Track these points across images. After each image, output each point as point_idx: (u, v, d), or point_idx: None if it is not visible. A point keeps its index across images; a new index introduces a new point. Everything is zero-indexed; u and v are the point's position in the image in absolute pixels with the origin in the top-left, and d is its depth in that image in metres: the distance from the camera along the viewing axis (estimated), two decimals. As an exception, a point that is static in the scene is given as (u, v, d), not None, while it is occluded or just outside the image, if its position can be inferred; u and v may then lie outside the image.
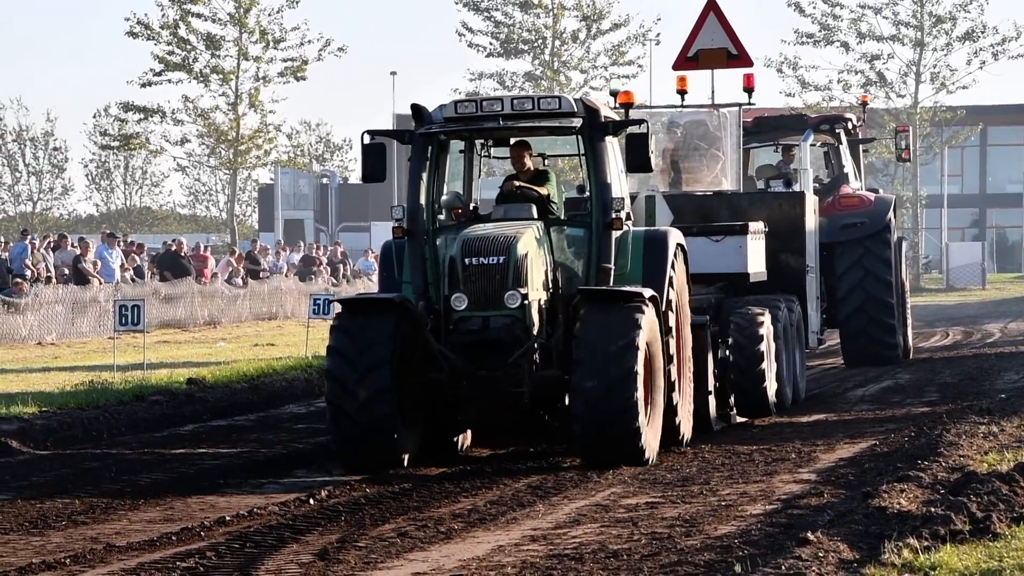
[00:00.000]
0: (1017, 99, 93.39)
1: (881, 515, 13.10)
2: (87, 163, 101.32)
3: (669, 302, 18.35)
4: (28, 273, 43.80)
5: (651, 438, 17.45)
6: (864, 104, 39.74)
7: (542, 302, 17.65)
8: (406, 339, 17.43)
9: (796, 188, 28.35)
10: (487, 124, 18.49)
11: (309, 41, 70.37)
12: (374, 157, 18.60)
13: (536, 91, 70.21)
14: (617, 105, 20.12)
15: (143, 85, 70.50)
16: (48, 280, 44.30)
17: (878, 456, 17.93)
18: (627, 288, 17.60)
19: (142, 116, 72.24)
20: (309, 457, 19.26)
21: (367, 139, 18.71)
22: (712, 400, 20.57)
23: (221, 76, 70.44)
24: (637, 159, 18.29)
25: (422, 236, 18.19)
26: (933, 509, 13.04)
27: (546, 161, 19.79)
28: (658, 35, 77.38)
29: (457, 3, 78.30)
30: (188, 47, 70.12)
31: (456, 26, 78.33)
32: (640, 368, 16.97)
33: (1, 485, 17.15)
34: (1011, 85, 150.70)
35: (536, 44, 78.06)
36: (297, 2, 70.95)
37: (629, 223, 18.61)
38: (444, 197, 18.74)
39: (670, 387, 18.24)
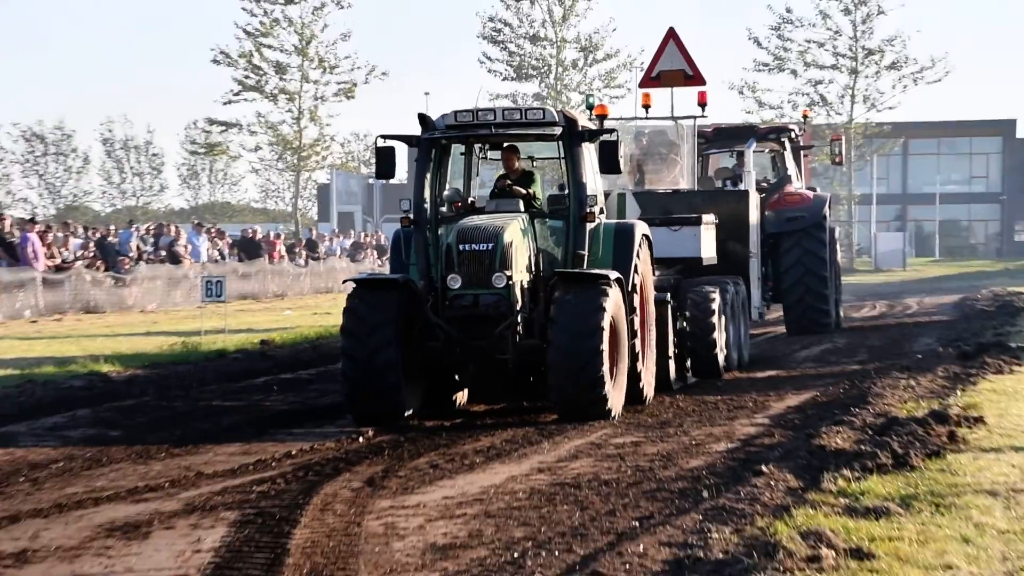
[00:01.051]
0: (932, 117, 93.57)
1: (821, 452, 13.13)
2: (179, 166, 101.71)
3: (635, 283, 17.77)
4: (133, 254, 43.96)
5: (616, 395, 16.79)
6: (805, 118, 39.35)
7: (525, 283, 16.99)
8: (409, 311, 16.82)
9: (742, 187, 27.75)
10: (481, 131, 17.81)
11: (358, 67, 70.96)
12: (385, 158, 17.96)
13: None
14: (593, 116, 19.56)
15: (225, 103, 71.24)
16: (149, 260, 44.45)
17: (819, 404, 17.94)
18: (596, 271, 17.02)
19: (223, 128, 72.81)
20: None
21: (380, 142, 18.06)
22: (672, 364, 20.00)
23: (287, 96, 70.81)
24: (608, 162, 17.71)
25: (426, 225, 17.54)
26: (863, 447, 13.08)
27: (533, 163, 19.22)
28: (642, 63, 76.98)
29: (479, 37, 78.43)
30: (261, 72, 70.53)
31: (478, 55, 78.36)
32: (605, 330, 16.30)
33: (113, 425, 17.25)
34: (928, 105, 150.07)
35: (543, 70, 77.94)
36: (349, 36, 71.40)
37: (602, 216, 18.05)
38: (445, 192, 18.06)
39: (634, 354, 17.56)
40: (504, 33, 78.23)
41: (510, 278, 16.68)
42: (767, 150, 31.62)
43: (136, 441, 15.80)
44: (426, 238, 17.49)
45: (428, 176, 17.69)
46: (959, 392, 17.50)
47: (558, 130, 17.58)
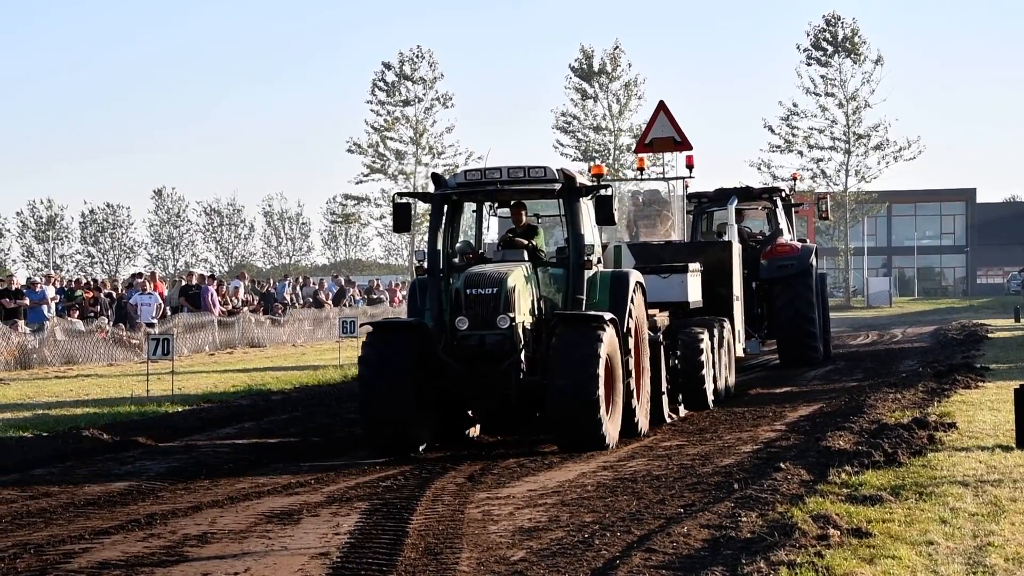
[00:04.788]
0: (910, 186, 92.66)
1: (827, 451, 12.99)
2: (322, 232, 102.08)
3: (630, 325, 15.69)
4: (286, 301, 44.30)
5: (612, 428, 14.66)
6: (795, 179, 38.01)
7: (527, 324, 14.91)
8: (421, 352, 14.73)
9: (725, 239, 24.92)
10: (488, 188, 15.63)
11: (459, 153, 71.83)
12: (402, 213, 15.88)
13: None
14: (591, 175, 18.20)
15: (357, 183, 72.32)
16: (298, 305, 44.76)
17: (825, 414, 17.72)
18: (592, 312, 14.91)
19: (356, 202, 73.78)
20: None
21: (397, 199, 16.02)
22: (665, 398, 17.69)
23: (405, 176, 71.73)
24: (603, 215, 15.39)
25: (438, 274, 15.46)
26: (860, 447, 12.94)
27: (538, 219, 17.43)
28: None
29: (553, 128, 78.66)
30: (384, 158, 71.58)
31: (552, 142, 78.69)
32: (601, 372, 14.21)
33: (271, 434, 17.31)
34: (906, 176, 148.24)
35: (603, 153, 77.99)
36: (452, 128, 72.32)
37: (599, 265, 16.02)
38: (457, 244, 16.13)
39: (629, 390, 15.40)
40: (573, 125, 78.37)
41: (513, 320, 14.68)
42: (761, 207, 29.22)
43: (289, 447, 15.85)
44: (439, 285, 15.43)
45: (441, 229, 15.73)
46: (936, 403, 17.29)
47: (558, 186, 15.61)
